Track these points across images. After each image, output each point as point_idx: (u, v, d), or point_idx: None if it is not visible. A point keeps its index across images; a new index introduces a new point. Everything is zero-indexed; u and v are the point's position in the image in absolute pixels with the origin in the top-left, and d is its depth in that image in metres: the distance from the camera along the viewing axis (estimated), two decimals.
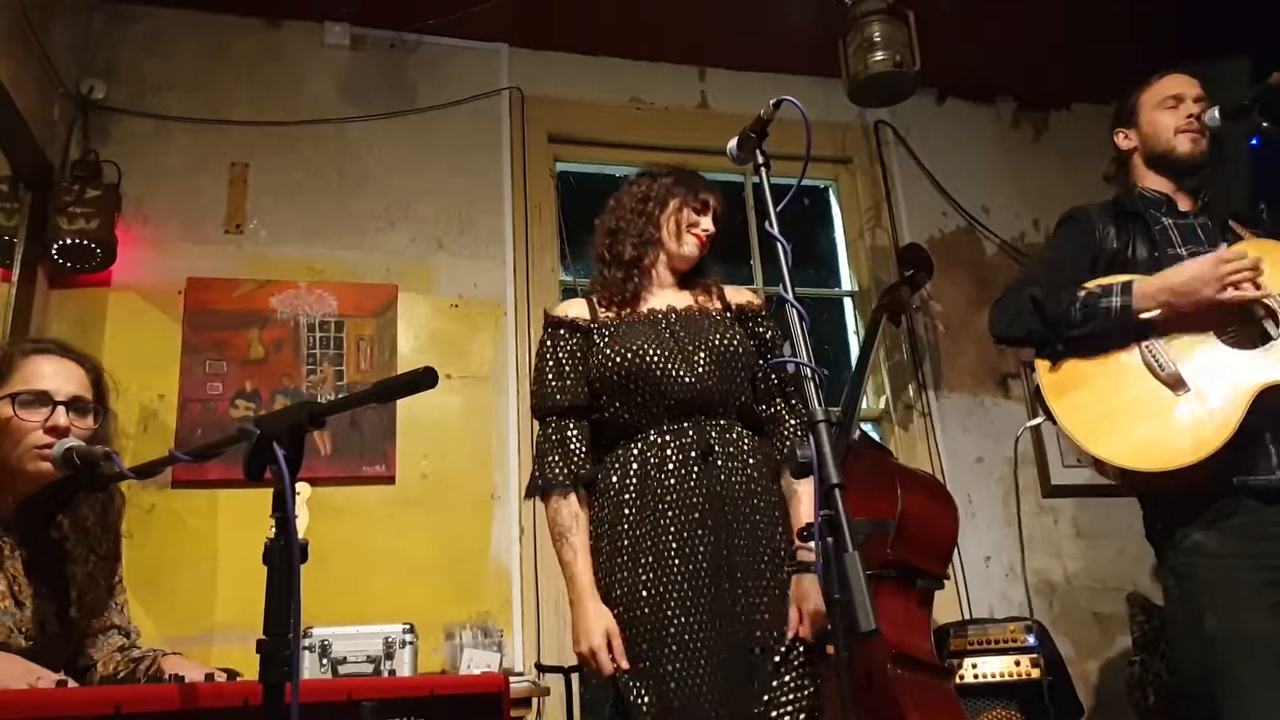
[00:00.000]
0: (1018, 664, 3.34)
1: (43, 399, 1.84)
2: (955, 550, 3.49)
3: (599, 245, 2.21)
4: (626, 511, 1.95)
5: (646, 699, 1.82)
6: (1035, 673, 3.33)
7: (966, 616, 3.84)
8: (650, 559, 1.90)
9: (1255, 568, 2.04)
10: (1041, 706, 3.31)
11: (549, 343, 2.12)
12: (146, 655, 1.98)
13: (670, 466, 1.95)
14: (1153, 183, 2.42)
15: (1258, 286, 2.09)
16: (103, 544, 1.96)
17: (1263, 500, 2.06)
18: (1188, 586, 2.12)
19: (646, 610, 1.87)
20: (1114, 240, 2.33)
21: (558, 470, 2.02)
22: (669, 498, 1.92)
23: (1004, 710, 3.32)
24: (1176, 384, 2.10)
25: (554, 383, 2.07)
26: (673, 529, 1.90)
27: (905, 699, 2.91)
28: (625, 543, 1.92)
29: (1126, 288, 2.14)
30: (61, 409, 1.85)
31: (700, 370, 2.00)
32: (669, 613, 1.86)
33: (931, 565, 3.28)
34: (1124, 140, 2.48)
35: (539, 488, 2.04)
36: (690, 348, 2.03)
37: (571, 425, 2.06)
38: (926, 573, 3.25)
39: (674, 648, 1.84)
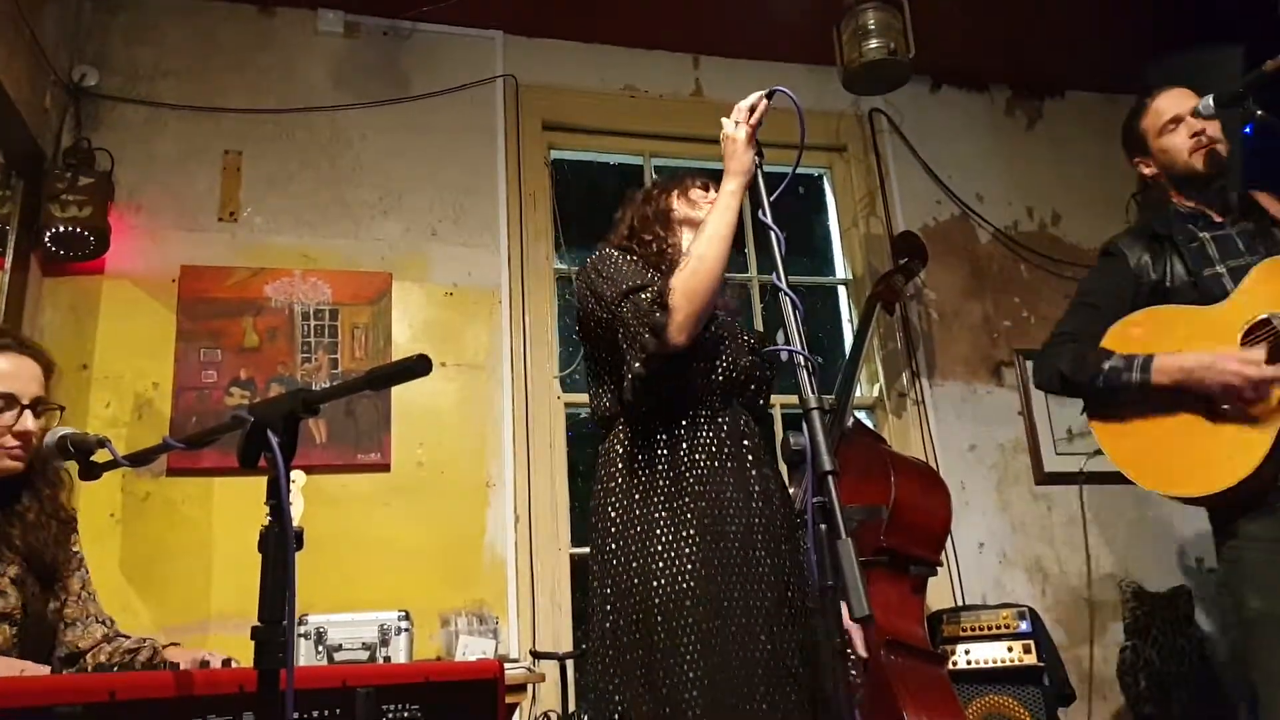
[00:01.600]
0: (1010, 650, 3.37)
1: (9, 401, 1.87)
2: (949, 537, 3.51)
3: (619, 238, 2.15)
4: (661, 483, 1.89)
5: (692, 675, 1.76)
6: (1028, 658, 3.35)
7: (960, 603, 3.87)
8: (690, 532, 1.84)
9: None
10: (1034, 692, 3.34)
11: (616, 254, 2.02)
12: (142, 646, 1.98)
13: (701, 445, 1.91)
14: (1184, 199, 2.47)
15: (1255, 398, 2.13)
16: (60, 510, 1.99)
17: None
18: (1234, 571, 2.19)
19: (691, 584, 1.81)
20: (1151, 271, 2.39)
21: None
22: (697, 472, 1.89)
23: (997, 696, 3.34)
24: (1212, 407, 2.17)
25: (639, 269, 1.97)
26: (704, 504, 1.86)
27: (899, 685, 2.93)
28: (661, 515, 1.87)
29: (1145, 365, 2.22)
30: (28, 412, 1.88)
31: (744, 360, 2.00)
32: (712, 589, 1.80)
33: (925, 552, 3.30)
34: (1147, 169, 2.53)
35: (656, 307, 1.84)
36: (732, 334, 2.02)
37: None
38: (920, 559, 3.27)
39: (717, 623, 1.78)
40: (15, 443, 1.84)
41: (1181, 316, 2.30)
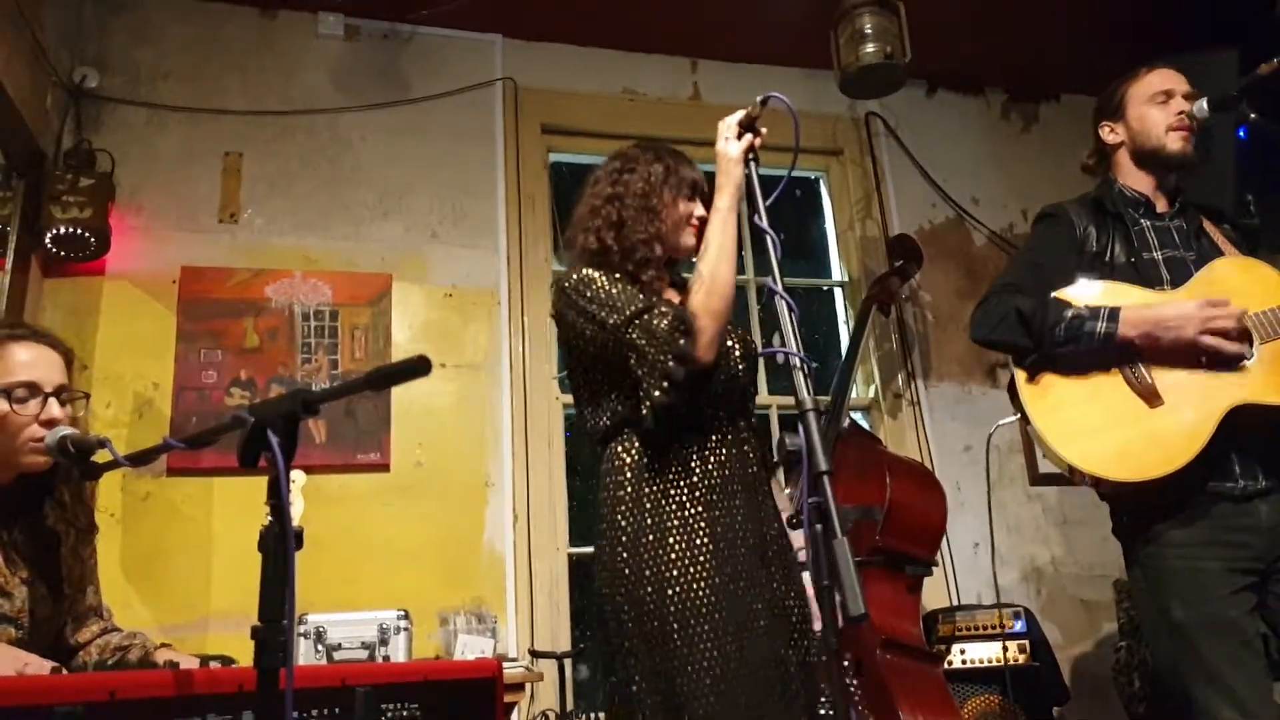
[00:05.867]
0: (1005, 649, 3.37)
1: (34, 390, 1.83)
2: (944, 537, 3.53)
3: (601, 236, 2.07)
4: (673, 492, 1.89)
5: (709, 682, 1.77)
6: (1022, 658, 3.36)
7: (955, 603, 3.88)
8: (703, 540, 1.85)
9: (1218, 557, 2.07)
10: (1028, 691, 3.35)
11: (601, 275, 1.98)
12: (133, 644, 1.97)
13: (708, 452, 1.92)
14: (1134, 180, 2.41)
15: (1237, 331, 2.09)
16: (80, 518, 1.97)
17: (1226, 502, 2.10)
18: (1155, 577, 2.15)
19: (706, 592, 1.82)
20: (1094, 242, 2.33)
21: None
22: (710, 481, 1.90)
23: (991, 695, 3.35)
24: (1151, 396, 2.13)
25: (631, 291, 1.94)
26: (717, 513, 1.87)
27: (894, 684, 2.94)
28: (674, 523, 1.87)
29: (1113, 315, 2.14)
30: (53, 400, 1.85)
31: (736, 367, 2.00)
32: (726, 595, 1.82)
33: (920, 552, 3.31)
34: (1110, 134, 2.46)
35: (679, 333, 1.83)
36: (729, 343, 2.01)
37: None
38: (915, 559, 3.28)
39: (732, 629, 1.80)
40: (43, 433, 1.80)
41: (1132, 295, 2.23)
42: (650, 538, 1.86)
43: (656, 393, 1.83)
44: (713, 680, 1.75)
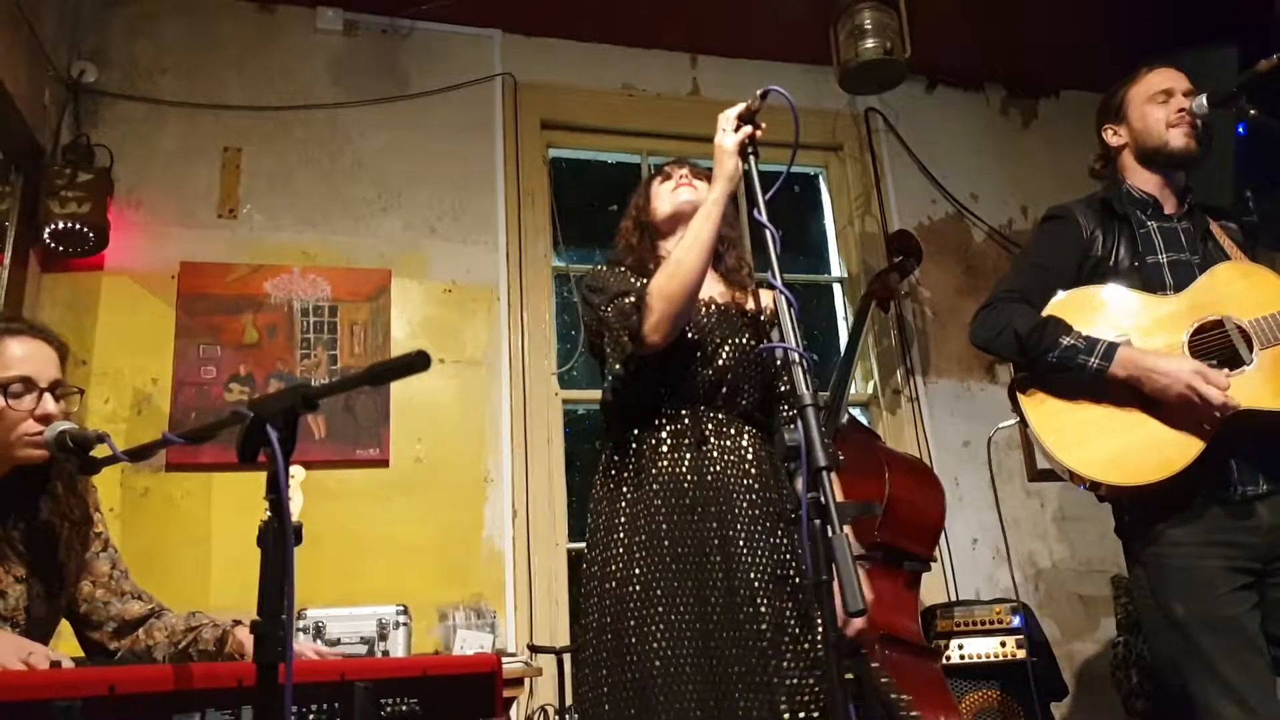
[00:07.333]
0: (1003, 645, 3.38)
1: (29, 385, 1.83)
2: (942, 533, 3.53)
3: (617, 249, 2.23)
4: (624, 489, 1.95)
5: (631, 675, 1.80)
6: (1020, 654, 3.36)
7: (953, 598, 3.88)
8: (643, 537, 1.89)
9: (1219, 555, 2.08)
10: (1026, 687, 3.35)
11: (607, 268, 2.11)
12: (202, 626, 1.97)
13: (664, 449, 1.94)
14: (1141, 181, 2.41)
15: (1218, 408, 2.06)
16: (74, 509, 1.95)
17: (1225, 505, 2.11)
18: (1157, 576, 2.15)
19: (638, 588, 1.85)
20: (1100, 245, 2.33)
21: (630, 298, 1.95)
22: (640, 475, 1.94)
23: (990, 690, 3.36)
24: (1149, 401, 2.13)
25: (629, 281, 2.03)
26: (663, 511, 1.89)
27: (892, 679, 2.95)
28: (621, 519, 1.91)
29: (1109, 352, 2.13)
30: (49, 395, 1.85)
31: (720, 364, 2.00)
32: (658, 592, 1.84)
33: (918, 548, 3.31)
34: (1113, 137, 2.46)
35: (634, 309, 1.90)
36: (718, 340, 2.01)
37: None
38: (913, 555, 3.29)
39: (661, 627, 1.81)
40: (38, 428, 1.80)
41: (1132, 301, 2.25)
42: (601, 534, 1.96)
43: (618, 365, 1.91)
44: (638, 675, 1.79)
